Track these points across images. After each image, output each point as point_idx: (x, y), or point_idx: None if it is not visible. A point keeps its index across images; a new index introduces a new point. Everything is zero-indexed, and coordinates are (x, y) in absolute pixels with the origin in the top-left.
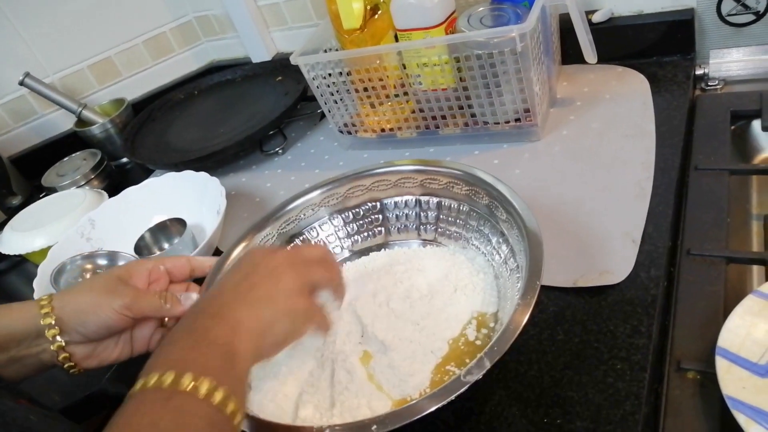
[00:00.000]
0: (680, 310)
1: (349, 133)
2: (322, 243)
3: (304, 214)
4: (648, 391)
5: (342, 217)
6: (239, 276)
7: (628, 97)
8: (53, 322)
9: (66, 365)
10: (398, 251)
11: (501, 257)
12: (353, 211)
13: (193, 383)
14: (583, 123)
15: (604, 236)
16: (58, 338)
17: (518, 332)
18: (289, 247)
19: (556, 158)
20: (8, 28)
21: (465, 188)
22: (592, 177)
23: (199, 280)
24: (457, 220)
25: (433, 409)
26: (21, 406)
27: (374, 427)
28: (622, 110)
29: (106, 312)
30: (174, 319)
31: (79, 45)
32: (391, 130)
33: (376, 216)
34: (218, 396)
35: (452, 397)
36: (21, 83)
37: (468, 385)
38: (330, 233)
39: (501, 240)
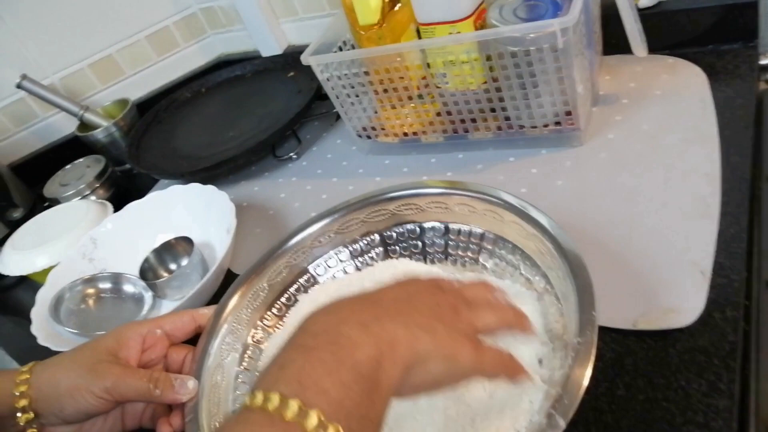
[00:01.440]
0: (763, 359)
1: (368, 137)
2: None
3: (296, 259)
4: None
5: (350, 251)
6: (401, 293)
7: (682, 94)
8: (27, 405)
9: None
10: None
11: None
12: (361, 243)
13: (320, 427)
14: (631, 125)
15: (665, 266)
16: (32, 423)
17: (587, 378)
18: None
19: (603, 167)
20: (1, 27)
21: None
22: (647, 190)
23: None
24: (470, 245)
25: None
26: None
27: None
28: (676, 109)
29: (85, 396)
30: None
31: (79, 43)
32: (414, 134)
33: (377, 249)
34: None
35: None
36: (18, 86)
37: None
38: (338, 269)
39: (536, 273)
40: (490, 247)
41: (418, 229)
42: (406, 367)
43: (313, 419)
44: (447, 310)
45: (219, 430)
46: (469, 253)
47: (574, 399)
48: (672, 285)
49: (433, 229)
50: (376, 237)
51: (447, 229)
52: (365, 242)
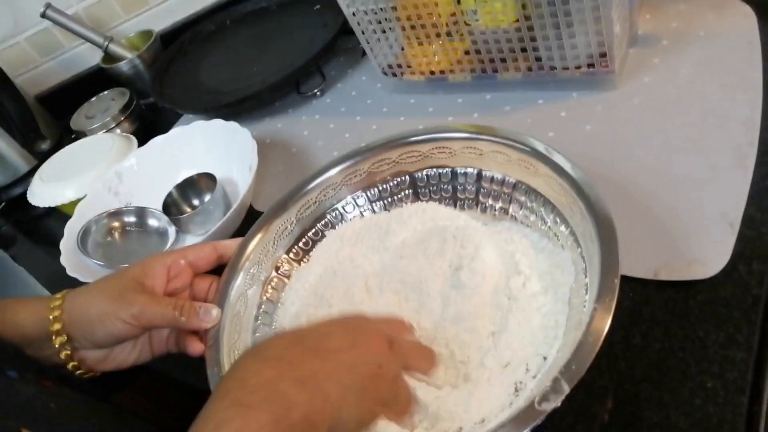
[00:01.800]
0: None
1: (394, 75)
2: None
3: (325, 195)
4: (747, 420)
5: (379, 190)
6: (344, 341)
7: (728, 35)
8: (60, 329)
9: (77, 372)
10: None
11: (559, 240)
12: (380, 187)
13: None
14: (669, 68)
15: (693, 216)
16: (66, 346)
17: (599, 346)
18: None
19: (635, 113)
20: None
21: (513, 157)
22: (680, 138)
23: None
24: (502, 195)
25: None
26: (45, 390)
27: None
28: (720, 52)
29: (114, 322)
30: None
31: None
32: (441, 72)
33: (406, 191)
34: None
35: (527, 431)
36: (42, 15)
37: (545, 415)
38: (365, 207)
39: (558, 220)
40: (522, 198)
41: (450, 173)
42: (331, 427)
43: None
44: (385, 371)
45: None
46: (500, 203)
47: (582, 366)
48: (698, 236)
49: (465, 174)
50: (407, 178)
51: (480, 175)
52: (395, 183)
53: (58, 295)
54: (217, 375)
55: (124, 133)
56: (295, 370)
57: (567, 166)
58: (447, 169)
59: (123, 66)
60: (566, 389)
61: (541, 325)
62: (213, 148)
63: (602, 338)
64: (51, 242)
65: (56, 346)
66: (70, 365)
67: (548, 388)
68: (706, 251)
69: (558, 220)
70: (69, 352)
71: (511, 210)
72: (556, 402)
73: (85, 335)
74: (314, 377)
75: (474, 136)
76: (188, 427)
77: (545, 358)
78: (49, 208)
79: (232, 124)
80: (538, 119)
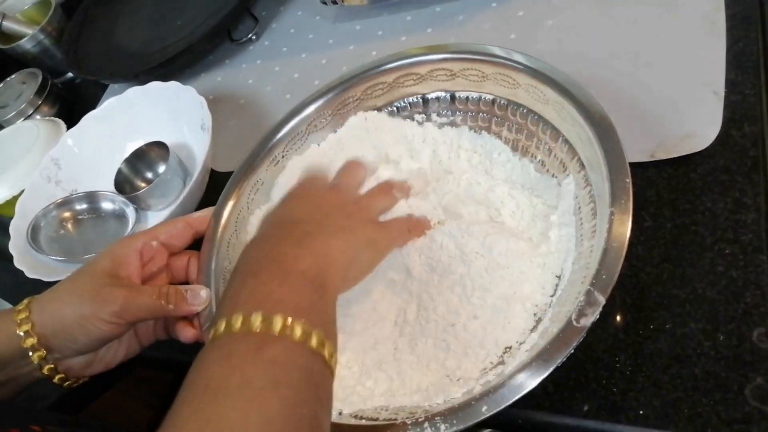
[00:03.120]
0: None
1: (334, 2)
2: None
3: (292, 147)
4: None
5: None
6: (310, 206)
7: None
8: (36, 344)
9: (65, 384)
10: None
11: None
12: None
13: (286, 327)
14: None
15: (676, 92)
16: (47, 359)
17: (624, 250)
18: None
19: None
20: None
21: (482, 72)
22: (647, 17)
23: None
24: (480, 114)
25: (544, 375)
26: None
27: (484, 407)
28: None
29: (95, 324)
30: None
31: None
32: None
33: None
34: (314, 340)
35: (570, 350)
36: None
37: (586, 330)
38: None
39: (548, 130)
40: (500, 113)
41: (421, 101)
42: (344, 267)
43: (277, 323)
44: (351, 206)
45: (198, 368)
46: (480, 122)
47: (612, 274)
48: (686, 111)
49: (438, 99)
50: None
51: (453, 97)
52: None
53: (20, 306)
54: None
55: (47, 117)
56: (289, 238)
57: (548, 71)
58: (417, 96)
59: (25, 44)
60: (602, 300)
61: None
62: (156, 113)
63: (626, 242)
64: None
65: (35, 362)
66: (56, 378)
67: (582, 302)
68: (697, 123)
69: (547, 130)
70: (52, 366)
71: (494, 127)
72: (593, 315)
73: (65, 344)
74: (308, 236)
75: (443, 56)
76: None
77: (558, 277)
78: None
79: (172, 84)
80: (496, 23)
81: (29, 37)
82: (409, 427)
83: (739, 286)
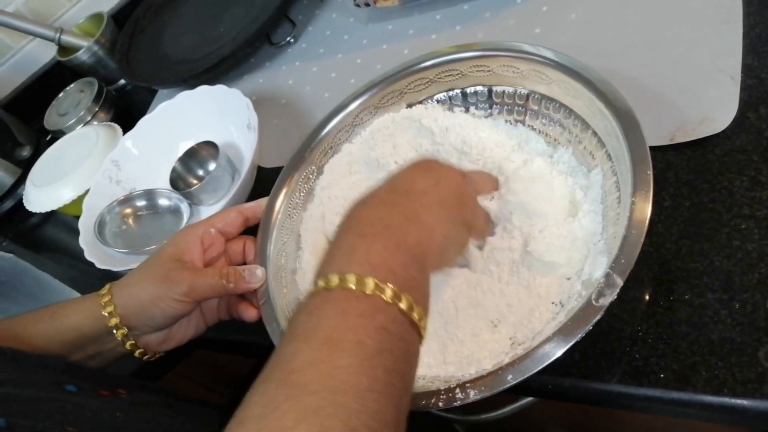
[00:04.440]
0: None
1: (367, 4)
2: None
3: (339, 138)
4: None
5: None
6: (428, 182)
7: None
8: (119, 322)
9: (144, 357)
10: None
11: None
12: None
13: (396, 296)
14: None
15: (694, 78)
16: (129, 336)
17: (643, 237)
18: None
19: None
20: None
21: (518, 68)
22: (664, 8)
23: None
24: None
25: (564, 349)
26: (105, 401)
27: (510, 376)
28: None
29: (168, 303)
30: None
31: None
32: None
33: None
34: (415, 314)
35: (589, 327)
36: None
37: (604, 310)
38: None
39: (586, 131)
40: (535, 107)
41: (460, 94)
42: (439, 252)
43: (388, 292)
44: (466, 199)
45: (303, 311)
46: (515, 115)
47: (630, 259)
48: (704, 95)
49: (476, 93)
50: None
51: (490, 92)
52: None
53: (103, 291)
54: (276, 330)
55: (104, 123)
56: (400, 209)
57: (580, 68)
58: (457, 90)
59: (82, 55)
60: (620, 282)
61: (579, 226)
62: (205, 115)
63: (645, 229)
64: (60, 246)
65: (119, 338)
66: (137, 353)
67: (602, 283)
68: (715, 107)
69: (578, 124)
70: (132, 341)
71: (527, 121)
72: (612, 296)
73: (144, 322)
74: (415, 213)
75: (481, 53)
76: (249, 387)
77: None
78: (46, 214)
79: (220, 88)
80: (522, 18)
81: (85, 48)
82: (443, 392)
83: (754, 258)
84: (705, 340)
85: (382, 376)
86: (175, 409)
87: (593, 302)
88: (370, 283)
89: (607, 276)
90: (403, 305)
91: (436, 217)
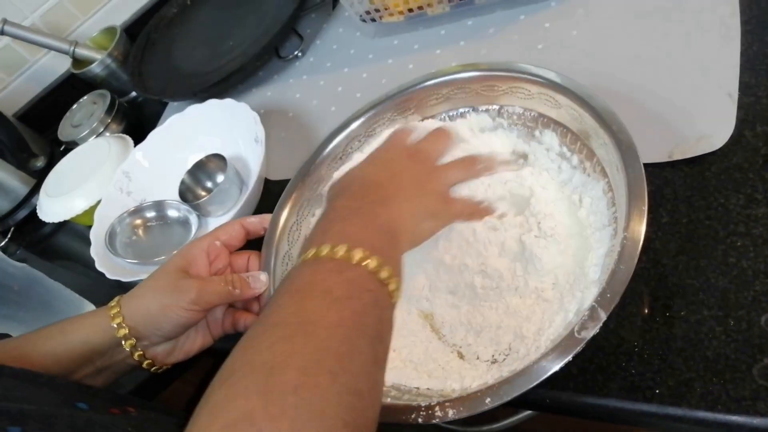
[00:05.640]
0: None
1: (373, 20)
2: None
3: (351, 147)
4: None
5: None
6: (388, 172)
7: None
8: (128, 333)
9: (152, 369)
10: None
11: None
12: None
13: (364, 258)
14: None
15: (692, 95)
16: (137, 347)
17: (632, 273)
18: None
19: (616, 8)
20: None
21: (528, 90)
22: (663, 26)
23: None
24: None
25: (546, 376)
26: (116, 418)
27: (488, 400)
28: None
29: (176, 312)
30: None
31: None
32: (419, 8)
33: None
34: (384, 273)
35: (568, 359)
36: (0, 32)
37: (585, 342)
38: None
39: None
40: (543, 129)
41: (471, 111)
42: (412, 228)
43: (357, 254)
44: (424, 176)
45: (290, 277)
46: (524, 137)
47: (616, 294)
48: (701, 113)
49: (487, 111)
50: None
51: (500, 111)
52: None
53: (113, 303)
54: None
55: (116, 134)
56: (370, 196)
57: (585, 94)
58: (468, 108)
59: (95, 68)
60: (603, 317)
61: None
62: (214, 128)
63: (634, 265)
64: (71, 255)
65: (127, 349)
66: (144, 363)
67: (586, 316)
68: (712, 125)
69: (584, 150)
70: (141, 352)
71: (533, 147)
72: (594, 329)
73: (153, 332)
74: (386, 199)
75: (489, 73)
76: None
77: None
78: (59, 223)
79: (228, 101)
80: (524, 35)
81: (98, 62)
82: (423, 409)
83: (749, 276)
84: (700, 357)
85: (350, 316)
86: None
87: (575, 334)
88: (341, 250)
89: (592, 309)
90: (371, 265)
91: (404, 197)
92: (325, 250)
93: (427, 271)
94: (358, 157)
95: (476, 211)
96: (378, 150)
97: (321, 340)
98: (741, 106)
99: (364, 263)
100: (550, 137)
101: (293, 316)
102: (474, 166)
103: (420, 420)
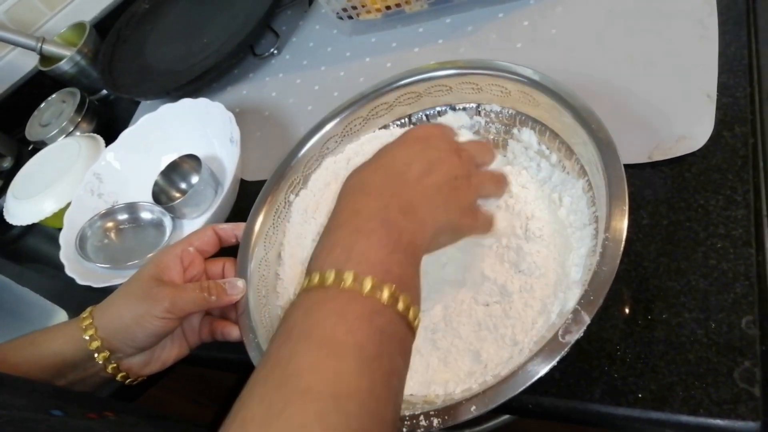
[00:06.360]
0: None
1: (350, 17)
2: None
3: (328, 148)
4: (758, 268)
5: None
6: (425, 161)
7: None
8: (100, 345)
9: (127, 381)
10: None
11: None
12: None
13: (392, 298)
14: None
15: (672, 96)
16: (111, 360)
17: (614, 275)
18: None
19: (594, 6)
20: None
21: (505, 88)
22: (641, 25)
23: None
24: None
25: (531, 381)
26: (93, 423)
27: (473, 408)
28: None
29: (150, 321)
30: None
31: None
32: (397, 5)
33: None
34: (411, 314)
35: (554, 363)
36: None
37: (569, 346)
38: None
39: (570, 156)
40: (521, 127)
41: (448, 110)
42: (429, 238)
43: (386, 293)
44: (460, 182)
45: (298, 308)
46: (503, 135)
47: (599, 296)
48: (681, 113)
49: (464, 109)
50: (406, 120)
51: (478, 109)
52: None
53: (84, 314)
54: (253, 341)
55: (87, 134)
56: (396, 201)
57: (564, 92)
58: (446, 106)
59: (64, 65)
60: (587, 320)
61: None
62: (187, 128)
63: (616, 266)
64: (41, 258)
65: (100, 362)
66: (119, 376)
67: (570, 319)
68: (691, 126)
69: (563, 148)
70: (115, 365)
71: (511, 145)
72: (578, 332)
73: (126, 343)
74: (411, 207)
75: (468, 71)
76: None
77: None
78: (27, 226)
79: (202, 101)
80: (503, 33)
81: (67, 58)
82: (407, 419)
83: (730, 278)
84: (682, 360)
85: (381, 379)
86: (164, 428)
87: (560, 338)
88: (367, 284)
89: (575, 312)
90: (400, 306)
91: (431, 206)
92: (348, 279)
93: None
94: (330, 161)
95: (492, 225)
96: (417, 131)
97: (353, 418)
98: (720, 107)
99: (392, 304)
100: (528, 135)
101: (325, 384)
102: (504, 185)
103: (404, 430)
